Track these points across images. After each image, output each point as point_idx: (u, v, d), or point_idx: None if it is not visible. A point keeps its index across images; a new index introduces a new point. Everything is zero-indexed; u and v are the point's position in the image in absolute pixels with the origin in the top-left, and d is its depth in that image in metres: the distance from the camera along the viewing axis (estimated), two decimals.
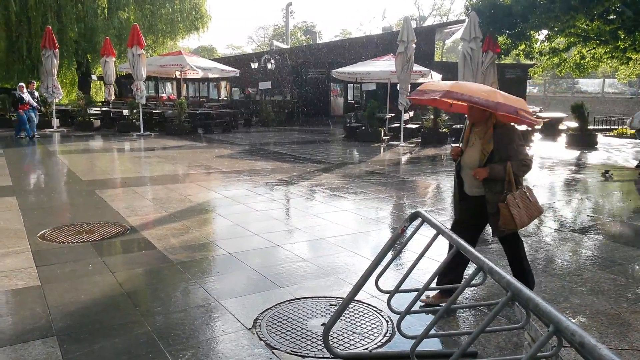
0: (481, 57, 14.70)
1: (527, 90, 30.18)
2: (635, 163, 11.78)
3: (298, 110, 25.91)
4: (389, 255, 3.08)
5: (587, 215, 6.73)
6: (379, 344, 3.21)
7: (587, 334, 1.49)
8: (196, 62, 19.55)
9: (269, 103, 23.56)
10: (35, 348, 3.05)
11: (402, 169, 11.06)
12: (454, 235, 2.57)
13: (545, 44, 18.70)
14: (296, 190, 8.28)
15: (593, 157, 12.95)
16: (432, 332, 2.46)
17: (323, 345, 3.04)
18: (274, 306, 3.70)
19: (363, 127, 16.78)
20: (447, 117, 17.95)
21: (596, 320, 3.52)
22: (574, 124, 16.23)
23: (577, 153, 13.79)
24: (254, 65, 25.29)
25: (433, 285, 2.89)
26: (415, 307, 2.71)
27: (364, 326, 3.43)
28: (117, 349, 3.06)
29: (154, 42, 26.02)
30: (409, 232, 3.13)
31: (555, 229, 6.03)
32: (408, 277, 2.91)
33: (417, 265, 2.86)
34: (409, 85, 15.29)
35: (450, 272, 3.66)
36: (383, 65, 17.69)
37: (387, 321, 3.49)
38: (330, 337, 3.08)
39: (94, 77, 26.29)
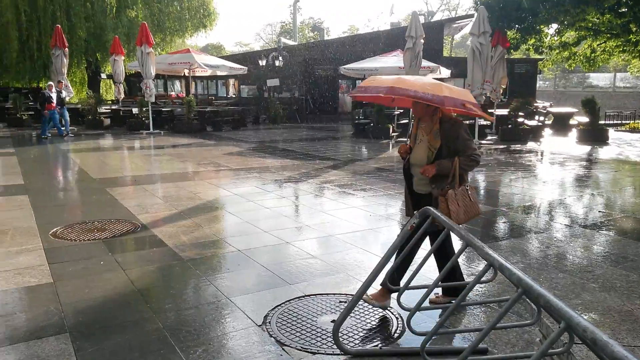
0: (490, 52, 14.61)
1: (538, 85, 29.94)
2: None
3: (306, 107, 25.90)
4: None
5: (599, 211, 6.67)
6: (390, 340, 3.21)
7: (599, 331, 1.48)
8: (204, 60, 19.62)
9: (277, 100, 23.58)
10: (49, 344, 3.09)
11: None
12: (463, 231, 2.56)
13: (555, 38, 18.51)
14: (305, 188, 8.29)
15: (604, 153, 12.82)
16: (442, 329, 2.45)
17: (333, 341, 3.05)
18: (284, 303, 3.72)
19: (372, 124, 16.74)
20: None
21: (608, 317, 3.49)
22: (584, 119, 16.08)
23: (588, 148, 13.67)
24: (262, 63, 25.31)
25: (443, 282, 2.88)
26: (425, 304, 2.70)
27: (373, 323, 3.43)
28: (129, 345, 3.09)
29: (162, 40, 26.14)
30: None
31: (566, 225, 5.98)
32: (418, 273, 2.91)
33: (427, 262, 2.85)
34: None
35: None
36: (391, 61, 17.65)
37: (397, 318, 3.48)
38: (340, 334, 3.08)
39: (103, 75, 26.48)
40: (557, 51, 18.83)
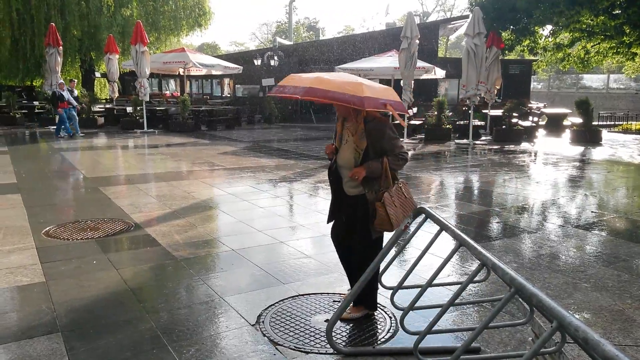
0: (485, 53, 14.66)
1: (532, 86, 30.08)
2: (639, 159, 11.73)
3: (302, 106, 25.89)
4: (393, 252, 3.08)
5: (591, 212, 6.71)
6: (383, 339, 3.21)
7: (591, 330, 1.49)
8: (199, 59, 19.57)
9: (272, 100, 23.55)
10: (40, 344, 3.07)
11: (405, 165, 11.04)
12: (457, 231, 2.56)
13: (550, 39, 18.61)
14: (300, 187, 8.28)
15: (597, 153, 12.90)
16: (436, 328, 2.46)
17: (326, 341, 3.05)
18: (277, 302, 3.71)
19: None
20: (450, 114, 17.92)
21: (600, 316, 3.51)
22: (578, 120, 16.16)
23: (581, 149, 13.74)
24: (257, 62, 25.27)
25: (436, 281, 2.88)
26: (419, 304, 2.70)
27: (367, 322, 3.43)
28: (122, 344, 3.08)
29: (157, 39, 26.04)
30: (412, 228, 3.13)
31: (559, 225, 6.01)
32: (411, 273, 2.91)
33: (421, 261, 2.86)
34: (413, 82, 15.26)
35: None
36: (386, 62, 17.66)
37: (390, 317, 3.49)
38: (333, 333, 3.08)
39: (97, 74, 26.37)
40: (552, 52, 18.93)
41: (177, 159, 11.40)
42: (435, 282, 2.70)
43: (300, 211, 6.82)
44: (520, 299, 2.49)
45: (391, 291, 2.99)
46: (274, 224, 5.94)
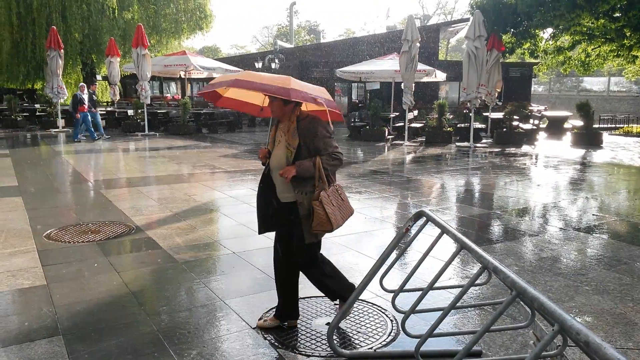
0: (486, 56, 14.67)
1: (532, 89, 30.09)
2: None
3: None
4: (394, 255, 3.08)
5: (593, 214, 6.70)
6: (384, 343, 3.21)
7: (592, 333, 1.49)
8: (200, 62, 19.61)
9: None
10: (42, 347, 3.07)
11: (406, 168, 11.05)
12: (458, 234, 2.56)
13: (550, 42, 18.63)
14: None
15: (598, 156, 12.89)
16: (437, 331, 2.46)
17: (327, 344, 3.05)
18: None
19: (367, 126, 16.77)
20: (451, 116, 17.93)
21: (601, 319, 3.51)
22: (579, 123, 16.16)
23: (582, 152, 13.74)
24: (258, 65, 25.32)
25: (437, 284, 2.87)
26: (420, 307, 2.70)
27: (368, 325, 3.43)
28: (123, 348, 3.07)
29: (158, 42, 26.08)
30: (413, 231, 3.13)
31: (560, 228, 6.01)
32: (412, 276, 2.91)
33: (422, 264, 2.86)
34: (414, 84, 15.28)
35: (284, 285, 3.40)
36: (387, 65, 17.68)
37: (391, 320, 3.49)
38: (334, 337, 3.08)
39: (98, 77, 26.38)
40: (552, 55, 18.95)
41: (178, 161, 11.42)
42: (436, 285, 2.70)
43: None
44: (521, 302, 2.49)
45: (392, 294, 2.99)
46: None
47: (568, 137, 16.68)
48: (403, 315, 2.78)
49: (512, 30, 16.73)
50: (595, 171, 10.57)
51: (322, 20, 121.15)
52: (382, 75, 18.32)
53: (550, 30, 17.76)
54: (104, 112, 20.68)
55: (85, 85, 15.77)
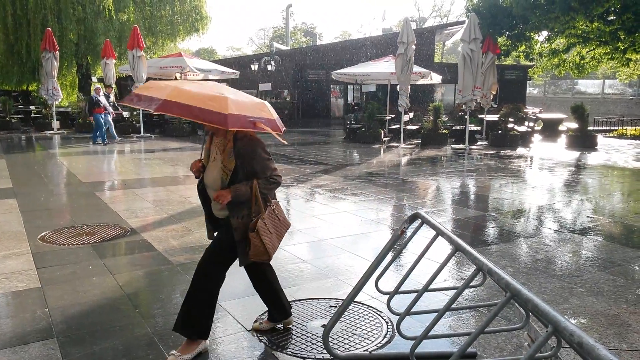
0: (481, 58, 14.72)
1: (528, 92, 30.21)
2: (635, 164, 11.78)
3: (298, 111, 25.93)
4: (389, 257, 3.08)
5: (587, 217, 6.73)
6: (379, 345, 3.21)
7: (586, 334, 1.49)
8: (196, 64, 19.58)
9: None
10: (35, 350, 3.06)
11: (402, 170, 11.07)
12: (453, 236, 2.57)
13: (545, 45, 18.72)
14: (296, 192, 8.29)
15: (593, 158, 12.95)
16: (432, 333, 2.46)
17: (323, 346, 3.05)
18: None
19: (363, 129, 16.80)
20: (447, 119, 17.97)
21: (595, 321, 3.52)
22: (573, 125, 16.24)
23: (576, 154, 13.80)
24: (254, 67, 25.32)
25: (432, 286, 2.88)
26: (415, 309, 2.71)
27: (364, 327, 3.43)
28: (117, 350, 3.06)
29: (154, 44, 26.04)
30: (408, 233, 3.14)
31: (555, 230, 6.03)
32: (408, 278, 2.92)
33: (417, 266, 2.86)
34: (409, 87, 15.31)
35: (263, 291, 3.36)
36: (383, 67, 17.71)
37: (387, 322, 3.49)
38: (330, 339, 3.08)
39: (94, 78, 26.30)
40: (547, 58, 19.01)
41: (173, 163, 11.39)
42: (431, 287, 2.70)
43: (296, 216, 6.82)
44: (516, 304, 2.50)
45: (388, 296, 3.00)
46: None
47: (563, 140, 16.75)
48: (398, 317, 2.78)
49: (507, 32, 16.78)
50: (590, 173, 10.61)
51: (318, 23, 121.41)
52: (378, 78, 18.34)
53: (545, 33, 17.83)
54: None
55: (100, 87, 15.52)
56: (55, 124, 18.34)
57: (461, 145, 15.23)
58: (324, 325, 3.26)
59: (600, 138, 16.90)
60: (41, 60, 17.93)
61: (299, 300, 3.86)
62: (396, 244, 3.15)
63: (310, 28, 62.63)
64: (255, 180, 2.98)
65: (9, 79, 22.98)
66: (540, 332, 2.91)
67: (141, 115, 17.44)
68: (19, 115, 20.00)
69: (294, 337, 3.28)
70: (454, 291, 2.43)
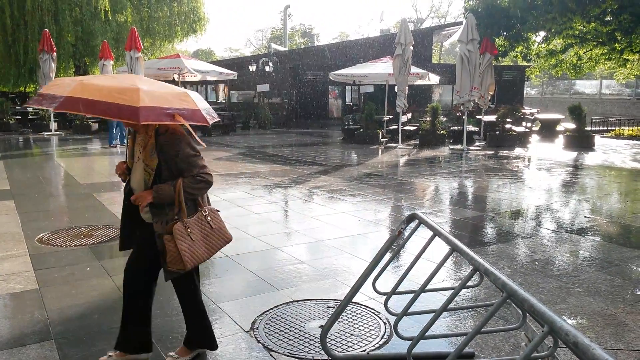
0: (479, 59, 14.74)
1: (525, 92, 30.28)
2: (632, 164, 11.81)
3: (296, 112, 25.94)
4: (387, 257, 3.09)
5: (585, 217, 6.75)
6: (377, 345, 3.21)
7: (581, 334, 1.50)
8: (194, 65, 19.56)
9: (267, 105, 23.60)
10: (33, 351, 3.06)
11: (400, 171, 11.08)
12: (450, 236, 2.58)
13: (543, 45, 18.77)
14: (294, 193, 8.29)
15: (590, 159, 12.99)
16: (429, 333, 2.47)
17: (321, 347, 3.05)
18: (271, 309, 3.71)
19: (361, 129, 16.81)
20: (444, 119, 18.00)
21: (593, 320, 3.53)
22: (571, 126, 16.28)
23: (574, 154, 13.83)
24: (252, 68, 25.31)
25: (430, 286, 2.88)
26: (413, 309, 2.71)
27: (361, 328, 3.44)
28: None
29: (151, 45, 26.05)
30: (406, 234, 3.15)
31: (552, 230, 6.04)
32: (405, 278, 2.92)
33: (414, 266, 2.87)
34: (407, 87, 15.33)
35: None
36: (381, 68, 17.73)
37: (384, 323, 3.49)
38: (327, 339, 3.09)
39: None
40: (545, 58, 19.07)
41: None
42: (429, 287, 2.71)
43: (294, 217, 6.82)
44: (513, 304, 2.51)
45: (385, 297, 3.00)
46: (268, 230, 5.94)
47: (560, 140, 16.79)
48: (396, 317, 2.78)
49: (504, 33, 16.82)
50: (587, 173, 10.64)
51: (316, 24, 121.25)
52: (376, 79, 18.36)
53: (542, 33, 17.89)
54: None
55: None
56: (53, 125, 18.32)
57: (459, 146, 15.26)
58: (321, 326, 3.26)
59: (597, 138, 16.94)
60: (39, 61, 17.91)
61: (296, 301, 3.86)
62: (393, 244, 3.16)
63: (308, 29, 62.68)
64: (180, 180, 2.69)
65: (7, 80, 22.96)
66: (537, 332, 2.92)
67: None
68: (17, 117, 19.97)
69: (291, 338, 3.29)
70: (452, 291, 2.43)
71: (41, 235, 5.53)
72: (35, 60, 19.57)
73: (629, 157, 13.52)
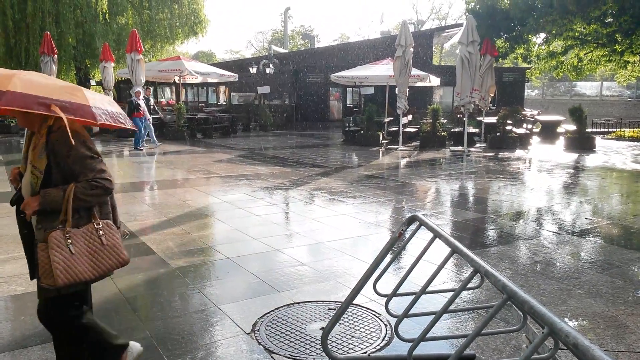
0: (479, 61, 14.76)
1: (526, 94, 30.28)
2: (633, 166, 11.81)
3: (297, 114, 25.97)
4: (387, 259, 3.09)
5: (586, 218, 6.75)
6: (378, 347, 3.22)
7: (581, 336, 1.50)
8: (195, 67, 19.61)
9: (267, 107, 23.63)
10: (35, 353, 3.06)
11: (400, 173, 11.08)
12: (450, 238, 2.58)
13: (543, 47, 18.79)
14: (295, 195, 8.29)
15: (591, 160, 12.98)
16: (430, 335, 2.47)
17: (322, 349, 3.05)
18: (272, 310, 3.71)
19: (362, 131, 16.82)
20: (445, 121, 18.00)
21: (593, 322, 3.53)
22: (572, 127, 16.28)
23: (575, 156, 13.82)
24: (253, 70, 25.35)
25: (430, 288, 2.89)
26: (413, 311, 2.71)
27: (362, 330, 3.44)
28: None
29: (152, 47, 26.08)
30: (407, 235, 3.15)
31: (553, 232, 6.04)
32: (406, 280, 2.92)
33: (415, 268, 2.87)
34: (407, 89, 15.34)
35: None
36: (381, 69, 17.76)
37: (385, 325, 3.50)
38: (328, 341, 3.09)
39: (93, 82, 26.34)
40: (545, 60, 19.09)
41: (172, 166, 11.40)
42: (429, 289, 2.71)
43: (295, 219, 6.83)
44: (513, 305, 2.51)
45: (386, 298, 3.00)
46: (269, 231, 5.94)
47: (561, 142, 16.79)
48: (396, 319, 2.79)
49: (505, 35, 16.86)
50: (588, 175, 10.64)
51: (316, 26, 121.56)
52: (377, 80, 18.40)
53: (542, 35, 17.91)
54: None
55: (140, 90, 15.05)
56: None
57: (460, 148, 15.26)
58: (322, 328, 3.27)
59: (598, 140, 16.95)
60: (40, 64, 17.94)
61: (297, 302, 3.86)
62: (394, 246, 3.16)
63: (309, 31, 62.75)
64: (73, 185, 2.36)
65: None
66: (538, 334, 2.92)
67: None
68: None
69: (292, 339, 3.29)
70: (452, 293, 2.44)
71: None
72: (36, 62, 19.59)
73: (630, 159, 13.52)
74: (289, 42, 47.73)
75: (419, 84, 18.30)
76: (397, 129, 16.16)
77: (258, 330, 3.41)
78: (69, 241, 2.34)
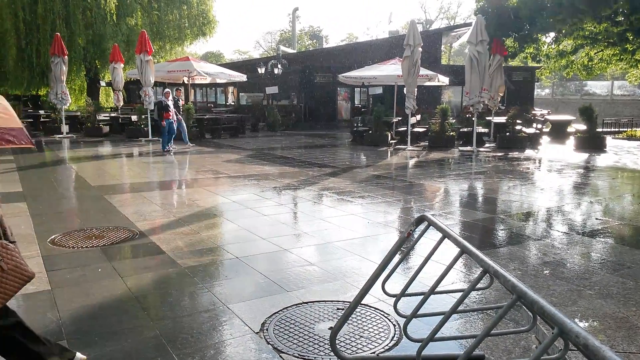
0: (488, 60, 14.68)
1: (535, 93, 30.07)
2: None
3: (305, 114, 25.98)
4: (396, 259, 3.09)
5: (596, 219, 6.69)
6: (386, 347, 3.21)
7: (592, 336, 1.49)
8: (203, 68, 19.68)
9: (276, 108, 23.67)
10: None
11: (409, 173, 11.06)
12: (459, 238, 2.57)
13: (553, 46, 18.66)
14: (304, 195, 8.30)
15: (602, 160, 12.87)
16: (439, 335, 2.46)
17: (330, 349, 3.05)
18: (281, 310, 3.72)
19: (370, 131, 16.80)
20: (454, 121, 17.93)
21: (604, 323, 3.50)
22: (582, 127, 16.14)
23: (585, 156, 13.71)
24: (261, 70, 25.41)
25: (439, 288, 2.88)
26: (422, 311, 2.71)
27: (371, 330, 3.44)
28: (126, 352, 3.09)
29: (161, 48, 26.22)
30: (415, 235, 3.14)
31: (563, 232, 6.00)
32: (415, 280, 2.92)
33: (424, 268, 2.87)
34: (416, 89, 15.30)
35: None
36: (390, 69, 17.71)
37: (394, 325, 3.49)
38: (337, 341, 3.09)
39: (102, 83, 26.54)
40: (555, 59, 18.95)
41: (181, 167, 11.45)
42: (438, 289, 2.70)
43: (304, 219, 6.83)
44: (523, 306, 2.49)
45: (394, 299, 3.00)
46: (277, 231, 5.95)
47: (571, 141, 16.65)
48: (405, 319, 2.78)
49: (514, 34, 16.75)
50: (599, 175, 10.54)
51: (324, 26, 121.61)
52: (385, 80, 18.34)
53: (552, 34, 17.79)
54: (108, 117, 20.79)
55: (170, 91, 14.76)
56: (65, 128, 18.50)
57: (469, 148, 15.19)
58: (331, 328, 3.27)
59: (609, 140, 16.79)
60: (50, 65, 18.12)
61: (306, 302, 3.87)
62: (403, 246, 3.16)
63: (317, 31, 62.74)
64: None
65: (19, 83, 23.22)
66: (548, 335, 2.90)
67: (149, 119, 17.49)
68: (29, 120, 20.21)
69: (301, 339, 3.29)
70: (461, 293, 2.43)
71: (53, 236, 5.59)
72: (47, 63, 19.79)
73: None
74: (297, 42, 47.77)
75: (428, 83, 18.23)
76: (405, 128, 16.12)
77: (267, 329, 3.42)
78: None
